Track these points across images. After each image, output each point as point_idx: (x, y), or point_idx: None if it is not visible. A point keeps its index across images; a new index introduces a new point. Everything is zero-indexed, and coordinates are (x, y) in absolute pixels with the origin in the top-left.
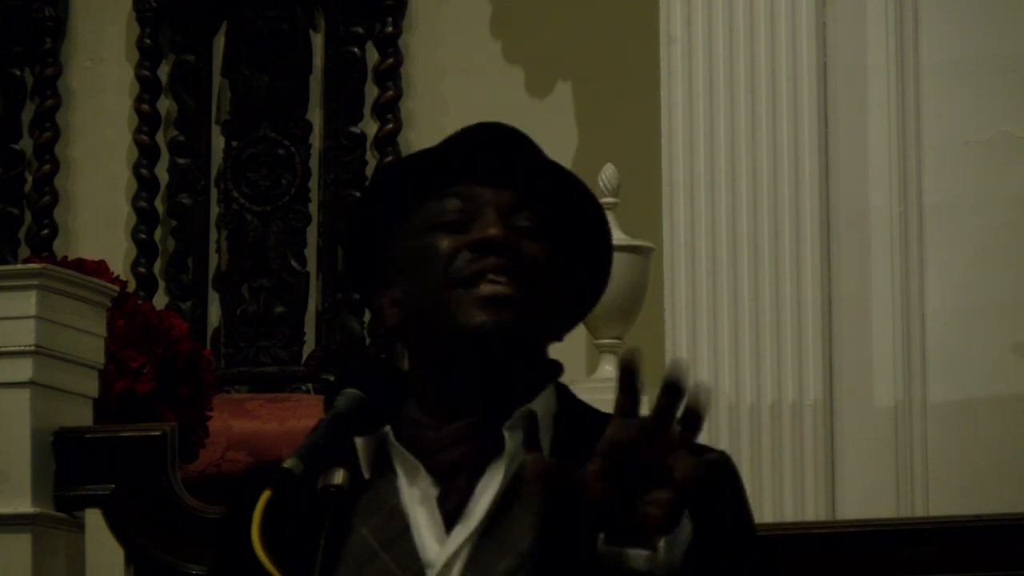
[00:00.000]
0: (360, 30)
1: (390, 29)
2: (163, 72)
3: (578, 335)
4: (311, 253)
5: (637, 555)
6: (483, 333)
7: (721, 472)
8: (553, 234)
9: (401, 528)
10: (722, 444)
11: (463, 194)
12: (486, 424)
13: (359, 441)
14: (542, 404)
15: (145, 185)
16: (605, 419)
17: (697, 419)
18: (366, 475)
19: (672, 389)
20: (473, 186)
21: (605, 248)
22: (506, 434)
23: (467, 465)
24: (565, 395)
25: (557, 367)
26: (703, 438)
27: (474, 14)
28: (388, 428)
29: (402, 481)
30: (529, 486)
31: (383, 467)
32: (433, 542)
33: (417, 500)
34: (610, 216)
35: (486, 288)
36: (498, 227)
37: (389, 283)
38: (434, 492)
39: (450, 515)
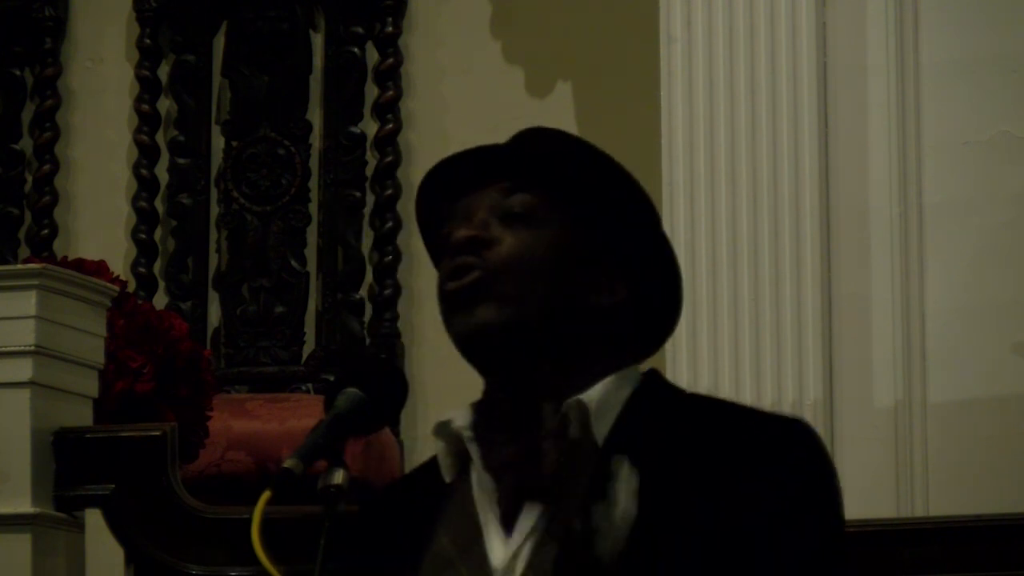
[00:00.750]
0: (360, 30)
1: (390, 29)
2: (163, 72)
3: None
4: (311, 253)
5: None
6: (464, 339)
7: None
8: (558, 214)
9: (475, 534)
10: None
11: (461, 209)
12: (534, 419)
13: (438, 445)
14: (602, 392)
15: (145, 185)
16: (690, 400)
17: None
18: (447, 479)
19: None
20: (474, 194)
21: (646, 223)
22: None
23: (517, 463)
24: (650, 383)
25: (624, 352)
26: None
27: (474, 14)
28: (462, 427)
29: (475, 482)
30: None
31: (465, 468)
32: (499, 546)
33: (486, 503)
34: None
35: (451, 284)
36: (468, 228)
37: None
38: (494, 492)
39: (507, 515)
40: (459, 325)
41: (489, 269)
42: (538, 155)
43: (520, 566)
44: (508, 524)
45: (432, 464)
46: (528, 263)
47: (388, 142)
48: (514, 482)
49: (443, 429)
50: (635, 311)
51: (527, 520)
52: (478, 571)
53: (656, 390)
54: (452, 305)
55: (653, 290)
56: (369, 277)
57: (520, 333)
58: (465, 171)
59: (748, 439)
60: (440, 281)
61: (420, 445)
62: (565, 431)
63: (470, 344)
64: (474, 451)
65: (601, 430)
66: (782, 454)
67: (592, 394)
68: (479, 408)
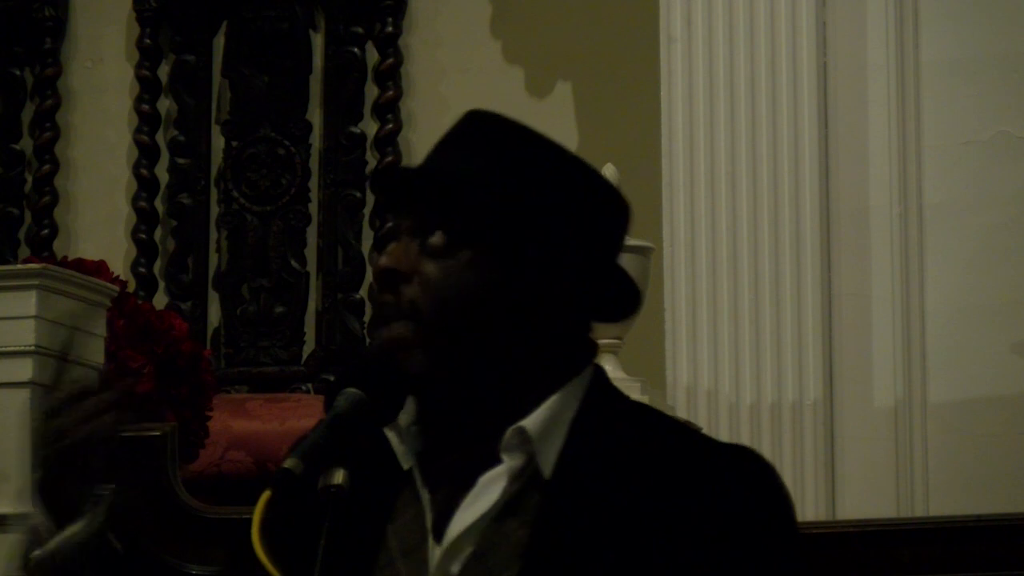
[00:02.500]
0: (360, 30)
1: (390, 29)
2: (163, 72)
3: None
4: (311, 253)
5: None
6: (407, 383)
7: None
8: (476, 240)
9: (419, 538)
10: None
11: (391, 230)
12: (476, 435)
13: (390, 433)
14: (547, 413)
15: (145, 185)
16: (637, 413)
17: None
18: (405, 465)
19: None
20: (401, 215)
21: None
22: (504, 455)
23: (454, 473)
24: (596, 394)
25: (571, 365)
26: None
27: (474, 14)
28: (406, 424)
29: (418, 483)
30: (531, 506)
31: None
32: (436, 553)
33: (427, 503)
34: None
35: (384, 333)
36: (387, 258)
37: None
38: (427, 498)
39: (437, 525)
40: (398, 370)
41: (409, 306)
42: (446, 186)
43: None
44: (438, 533)
45: (369, 439)
46: (445, 300)
47: (388, 142)
48: (448, 495)
49: (395, 425)
50: (573, 324)
51: (452, 533)
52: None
53: (601, 407)
54: (384, 349)
55: (594, 299)
56: (369, 277)
57: (451, 376)
58: (392, 190)
59: (699, 471)
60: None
61: None
62: (512, 461)
63: (410, 388)
64: (412, 454)
65: (548, 462)
66: (734, 484)
67: (535, 419)
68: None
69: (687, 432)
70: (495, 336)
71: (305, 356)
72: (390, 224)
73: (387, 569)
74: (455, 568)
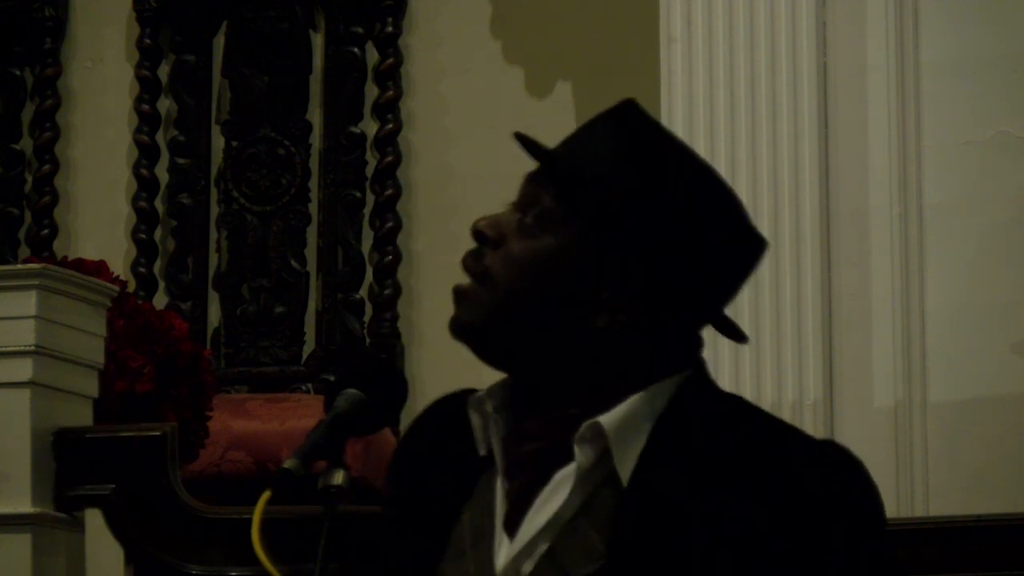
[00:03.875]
0: (360, 30)
1: (390, 29)
2: (163, 72)
3: None
4: (311, 253)
5: None
6: (450, 328)
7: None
8: (583, 216)
9: (489, 528)
10: None
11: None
12: (556, 426)
13: (474, 418)
14: (627, 410)
15: (145, 185)
16: (728, 413)
17: None
18: (481, 452)
19: None
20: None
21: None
22: (576, 448)
23: (531, 465)
24: (686, 394)
25: (656, 365)
26: None
27: (474, 14)
28: (491, 408)
29: (498, 469)
30: (605, 507)
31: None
32: (504, 549)
33: (502, 495)
34: None
35: (457, 286)
36: (486, 220)
37: None
38: (503, 489)
39: (510, 519)
40: (451, 319)
41: (486, 268)
42: (580, 173)
43: None
44: (511, 527)
45: (452, 424)
46: (517, 278)
47: (388, 142)
48: (525, 486)
49: (477, 405)
50: (651, 335)
51: (524, 534)
52: (482, 570)
53: (688, 409)
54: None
55: (675, 313)
56: (369, 277)
57: (498, 336)
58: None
59: (784, 476)
60: None
61: None
62: (583, 458)
63: (456, 336)
64: (495, 438)
65: (626, 463)
66: (821, 491)
67: (613, 416)
68: (506, 392)
69: (775, 431)
70: (558, 324)
71: (305, 356)
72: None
73: (458, 560)
74: (527, 567)
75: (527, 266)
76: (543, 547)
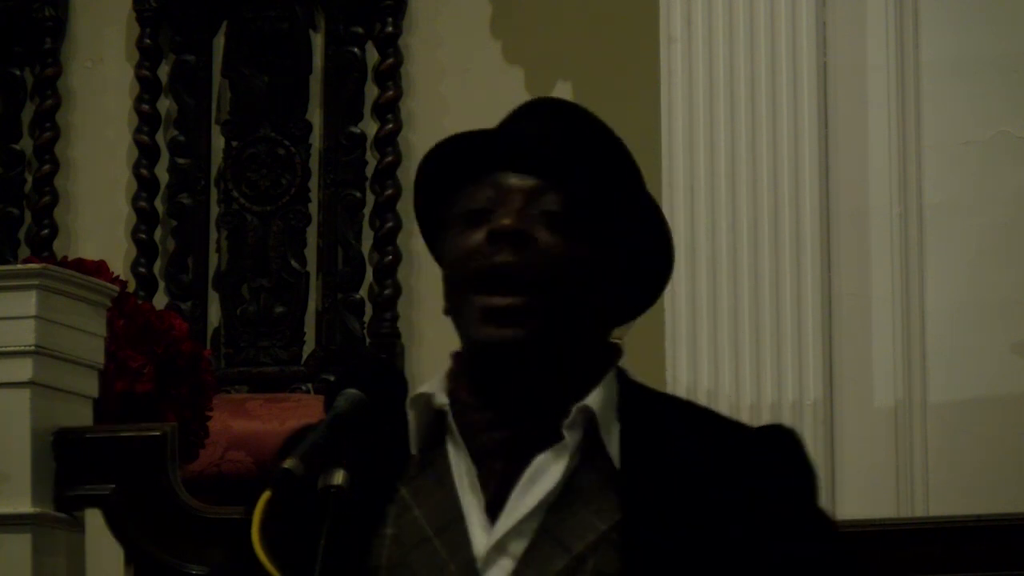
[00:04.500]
0: (360, 30)
1: (390, 29)
2: (163, 72)
3: None
4: (311, 253)
5: None
6: (489, 347)
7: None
8: (589, 218)
9: (455, 515)
10: None
11: (494, 183)
12: (534, 414)
13: (411, 414)
14: (602, 396)
15: (145, 185)
16: (672, 403)
17: None
18: (413, 450)
19: None
20: (508, 173)
21: (653, 224)
22: (566, 432)
23: (506, 450)
24: (627, 383)
25: (613, 353)
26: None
27: (474, 14)
28: (447, 402)
29: (453, 461)
30: (593, 485)
31: (435, 444)
32: (480, 533)
33: (467, 485)
34: None
35: (495, 300)
36: (513, 216)
37: (442, 261)
38: (475, 475)
39: (491, 503)
40: (486, 332)
41: (528, 274)
42: (562, 149)
43: (507, 563)
44: (492, 512)
45: (377, 428)
46: (563, 275)
47: (388, 142)
48: (502, 471)
49: (419, 401)
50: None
51: (513, 514)
52: (457, 553)
53: (639, 397)
54: (489, 313)
55: (644, 282)
56: (369, 277)
57: (541, 348)
58: (480, 152)
59: (745, 447)
60: (468, 257)
61: None
62: (570, 439)
63: (492, 356)
64: (455, 429)
65: (612, 444)
66: (779, 462)
67: (596, 401)
68: (456, 383)
69: (722, 417)
70: (586, 316)
71: (305, 356)
72: (509, 181)
73: (423, 547)
74: (518, 547)
75: (565, 262)
76: (534, 525)
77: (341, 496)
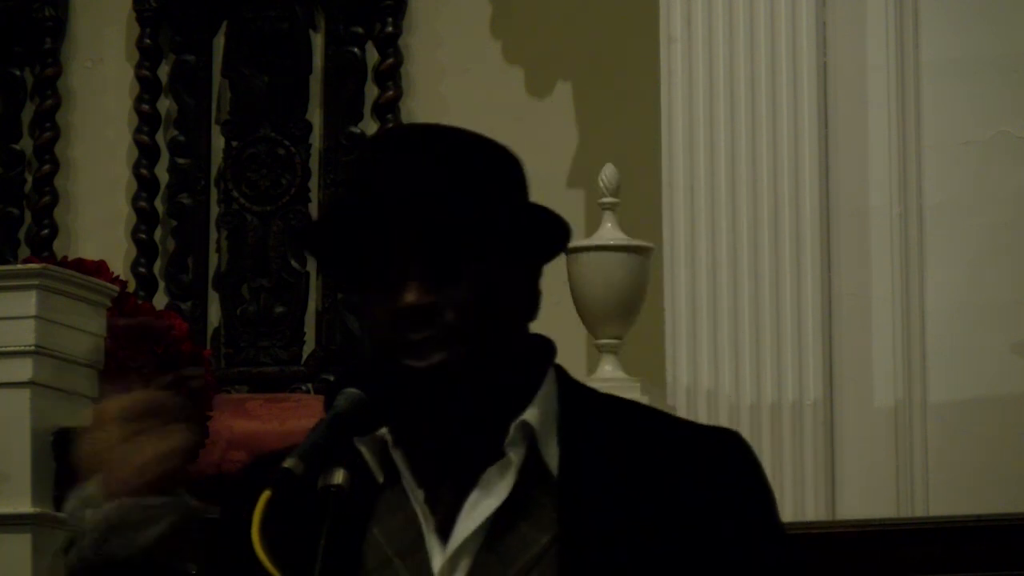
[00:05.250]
0: (360, 30)
1: (390, 29)
2: (163, 72)
3: (578, 335)
4: None
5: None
6: (417, 377)
7: (722, 450)
8: (478, 240)
9: (415, 537)
10: None
11: (384, 247)
12: (473, 433)
13: (362, 447)
14: (541, 407)
15: (145, 185)
16: (613, 406)
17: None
18: (379, 479)
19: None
20: (393, 234)
21: (538, 211)
22: (508, 450)
23: (451, 472)
24: (566, 386)
25: (545, 351)
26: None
27: (474, 14)
28: (386, 431)
29: (408, 487)
30: (534, 499)
31: (392, 470)
32: (438, 554)
33: (422, 508)
34: (610, 216)
35: (417, 363)
36: (414, 293)
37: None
38: (425, 499)
39: (442, 524)
40: (416, 366)
41: (444, 336)
42: (434, 196)
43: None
44: (444, 532)
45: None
46: (484, 319)
47: None
48: (449, 492)
49: (367, 439)
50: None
51: (461, 534)
52: (418, 574)
53: (579, 402)
54: (408, 351)
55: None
56: None
57: (474, 368)
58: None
59: (689, 453)
60: (384, 336)
61: None
62: (514, 455)
63: (425, 383)
64: (399, 458)
65: (551, 455)
66: (724, 467)
67: (535, 414)
68: (393, 410)
69: (668, 418)
70: (505, 328)
71: (305, 356)
72: (397, 240)
73: (384, 570)
74: (465, 564)
75: (484, 306)
76: (479, 543)
77: (341, 496)
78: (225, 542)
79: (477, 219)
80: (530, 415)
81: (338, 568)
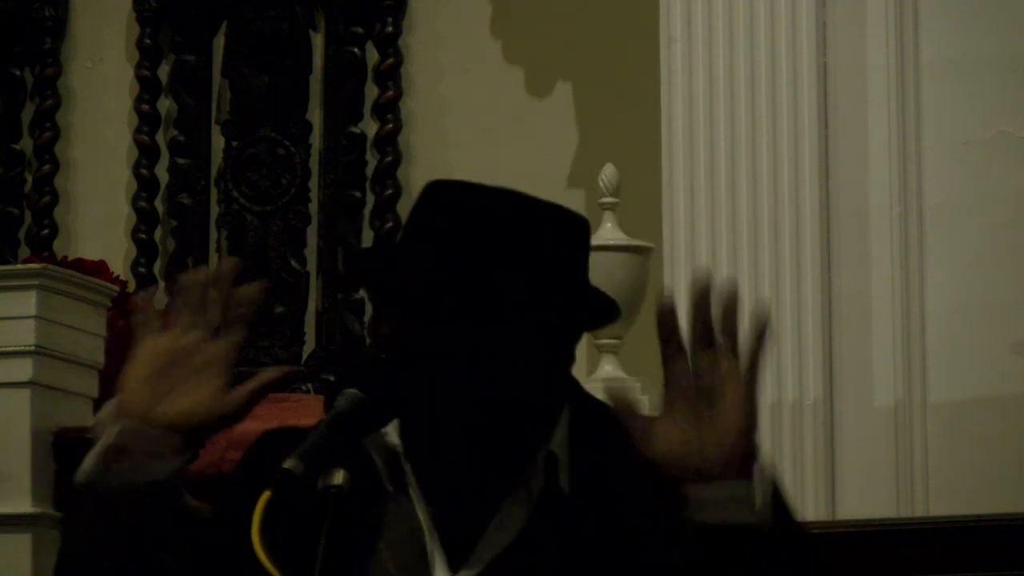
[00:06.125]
0: (360, 30)
1: (390, 29)
2: (163, 72)
3: None
4: (311, 253)
5: (724, 500)
6: (451, 403)
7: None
8: (535, 312)
9: (419, 558)
10: None
11: (443, 308)
12: (495, 461)
13: (375, 454)
14: (561, 432)
15: (145, 185)
16: (609, 412)
17: (732, 321)
18: (389, 488)
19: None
20: (455, 298)
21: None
22: (530, 479)
23: (466, 496)
24: (573, 403)
25: (568, 382)
26: None
27: (474, 14)
28: (399, 445)
29: (417, 505)
30: (546, 525)
31: (400, 479)
32: (441, 572)
33: (429, 527)
34: (610, 216)
35: (457, 413)
36: (470, 329)
37: (386, 324)
38: (433, 519)
39: (456, 547)
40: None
41: (484, 383)
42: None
43: None
44: (455, 557)
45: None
46: (517, 358)
47: (388, 142)
48: (462, 518)
49: (379, 447)
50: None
51: (479, 562)
52: None
53: (585, 416)
54: (453, 424)
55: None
56: None
57: (508, 404)
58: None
59: None
60: (434, 373)
61: None
62: (533, 483)
63: (457, 411)
64: (409, 470)
65: (564, 478)
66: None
67: (559, 443)
68: (407, 427)
69: None
70: (545, 380)
71: (305, 356)
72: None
73: None
74: None
75: (518, 353)
76: (495, 570)
77: (341, 496)
78: (234, 494)
79: (540, 305)
80: (555, 445)
81: (338, 569)
